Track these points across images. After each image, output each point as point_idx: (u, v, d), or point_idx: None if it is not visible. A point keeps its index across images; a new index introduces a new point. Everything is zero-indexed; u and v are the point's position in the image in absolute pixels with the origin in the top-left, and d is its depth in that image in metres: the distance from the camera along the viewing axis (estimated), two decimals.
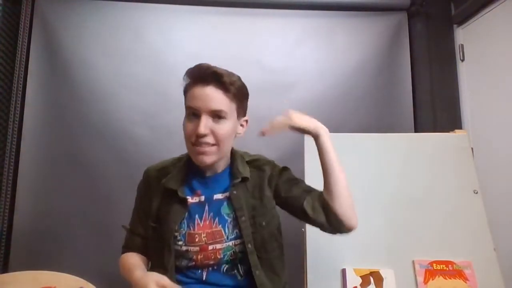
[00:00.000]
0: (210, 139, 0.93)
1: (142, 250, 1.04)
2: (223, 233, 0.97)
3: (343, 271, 1.17)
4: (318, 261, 1.16)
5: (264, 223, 0.99)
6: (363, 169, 1.34)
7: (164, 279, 0.84)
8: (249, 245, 0.96)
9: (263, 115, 1.89)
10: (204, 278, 0.97)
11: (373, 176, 1.33)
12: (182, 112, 1.15)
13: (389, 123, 2.00)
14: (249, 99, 1.06)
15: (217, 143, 0.94)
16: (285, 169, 1.09)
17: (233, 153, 1.06)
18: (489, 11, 1.85)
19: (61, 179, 1.85)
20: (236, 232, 0.98)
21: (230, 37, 2.04)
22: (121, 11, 2.00)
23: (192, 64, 1.15)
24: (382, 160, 1.36)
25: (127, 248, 1.06)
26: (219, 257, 0.96)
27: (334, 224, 0.95)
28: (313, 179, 1.31)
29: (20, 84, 1.87)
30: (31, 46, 1.91)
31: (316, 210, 0.97)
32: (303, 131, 1.00)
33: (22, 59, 1.89)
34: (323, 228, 0.98)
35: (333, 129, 1.96)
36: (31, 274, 1.28)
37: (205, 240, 0.96)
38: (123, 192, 1.83)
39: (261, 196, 1.02)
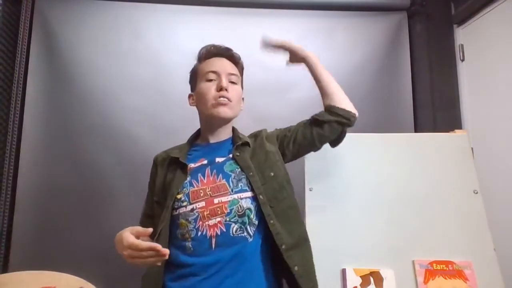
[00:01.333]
0: (229, 95, 1.07)
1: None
2: (227, 186, 0.99)
3: (343, 271, 1.17)
4: (318, 261, 1.16)
5: (272, 174, 1.04)
6: (363, 169, 1.34)
7: (137, 228, 0.88)
8: (261, 196, 0.98)
9: (263, 115, 1.93)
10: (213, 247, 0.94)
11: (373, 176, 1.33)
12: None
13: (389, 123, 2.00)
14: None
15: (233, 100, 1.07)
16: (276, 129, 1.20)
17: (233, 127, 1.17)
18: (489, 11, 1.85)
19: (61, 179, 1.84)
20: (241, 186, 1.00)
21: (230, 37, 2.03)
22: (121, 11, 2.00)
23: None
24: (382, 160, 1.36)
25: None
26: (225, 211, 0.96)
27: (344, 115, 1.11)
28: (313, 179, 1.31)
29: (20, 84, 1.87)
30: (31, 46, 1.91)
31: (323, 114, 1.12)
32: (294, 52, 1.19)
33: (22, 59, 1.89)
34: (336, 123, 1.11)
35: None
36: (31, 274, 1.28)
37: (210, 193, 0.98)
38: (123, 192, 1.83)
39: (265, 152, 1.08)
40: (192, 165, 1.05)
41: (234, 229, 0.95)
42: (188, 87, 1.19)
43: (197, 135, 1.17)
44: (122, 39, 1.98)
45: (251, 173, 1.01)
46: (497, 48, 1.80)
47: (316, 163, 1.34)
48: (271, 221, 0.97)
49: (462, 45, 2.05)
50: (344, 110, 1.11)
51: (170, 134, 1.87)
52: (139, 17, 2.01)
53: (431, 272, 1.16)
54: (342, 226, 1.24)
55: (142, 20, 2.01)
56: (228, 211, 0.96)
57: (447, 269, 1.16)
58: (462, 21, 2.05)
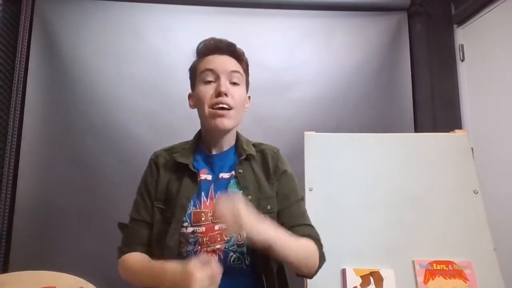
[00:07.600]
0: (229, 101, 0.94)
1: (146, 245, 0.95)
2: None
3: (343, 271, 1.17)
4: None
5: (269, 207, 0.97)
6: (363, 169, 1.34)
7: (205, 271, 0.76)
8: None
9: (263, 115, 1.93)
10: None
11: (373, 176, 1.33)
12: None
13: (389, 123, 2.00)
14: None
15: (234, 107, 0.95)
16: (284, 173, 1.04)
17: (237, 134, 1.06)
18: (489, 11, 1.85)
19: (61, 179, 1.85)
20: None
21: (230, 37, 2.02)
22: (121, 11, 2.00)
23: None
24: (382, 160, 1.36)
25: (128, 244, 0.97)
26: (225, 238, 0.92)
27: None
28: (313, 179, 1.31)
29: (20, 84, 1.87)
30: (31, 46, 1.91)
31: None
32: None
33: (22, 59, 1.89)
34: None
35: (333, 129, 1.97)
36: (31, 274, 1.28)
37: (211, 219, 0.93)
38: (123, 192, 1.82)
39: (268, 178, 1.00)
40: (200, 176, 0.98)
41: (232, 258, 0.92)
42: (189, 86, 1.16)
43: (199, 137, 1.08)
44: (122, 39, 1.98)
45: (249, 197, 0.95)
46: (497, 48, 1.80)
47: (316, 163, 1.34)
48: (261, 256, 0.92)
49: (462, 45, 2.05)
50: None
51: (170, 134, 1.87)
52: (139, 17, 2.01)
53: (431, 272, 1.16)
54: (342, 226, 1.24)
55: (143, 20, 2.01)
56: (228, 238, 0.93)
57: (447, 269, 1.16)
58: (462, 21, 2.05)
